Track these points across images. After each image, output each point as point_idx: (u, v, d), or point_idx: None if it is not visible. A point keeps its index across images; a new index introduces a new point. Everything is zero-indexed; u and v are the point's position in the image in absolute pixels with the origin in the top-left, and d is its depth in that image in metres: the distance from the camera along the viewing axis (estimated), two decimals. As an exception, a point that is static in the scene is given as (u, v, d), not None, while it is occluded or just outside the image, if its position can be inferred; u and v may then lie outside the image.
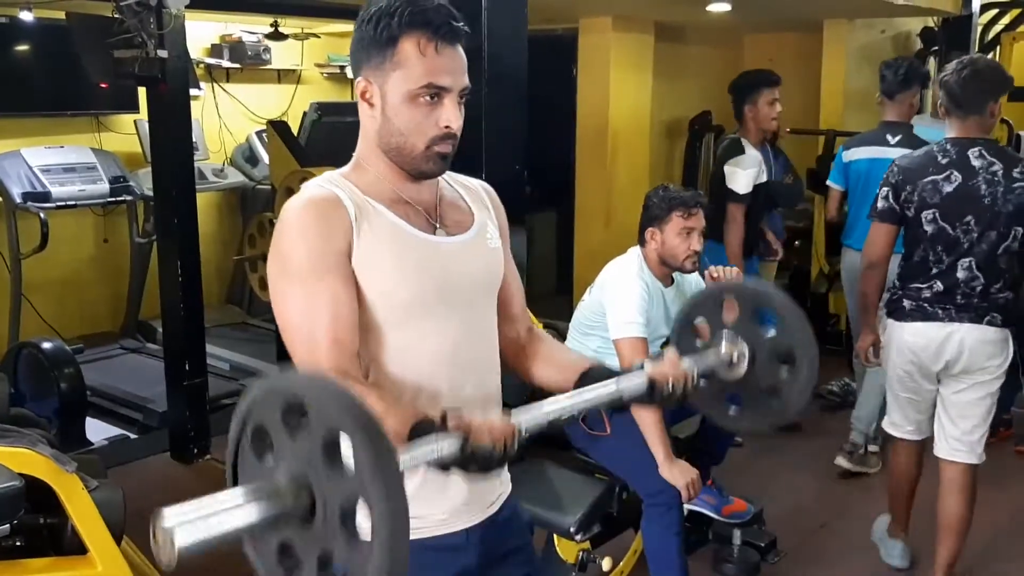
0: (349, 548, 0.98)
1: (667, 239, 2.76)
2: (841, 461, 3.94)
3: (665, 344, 3.08)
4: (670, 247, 2.76)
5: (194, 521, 0.94)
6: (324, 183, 1.44)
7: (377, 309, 1.41)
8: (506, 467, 1.60)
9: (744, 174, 3.88)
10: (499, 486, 1.59)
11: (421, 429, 1.19)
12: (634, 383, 1.42)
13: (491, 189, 1.63)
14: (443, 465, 1.17)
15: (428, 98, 1.38)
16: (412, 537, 1.44)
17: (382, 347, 1.42)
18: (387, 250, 1.40)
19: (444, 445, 1.16)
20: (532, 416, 1.29)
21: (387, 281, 1.40)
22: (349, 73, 6.64)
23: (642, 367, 1.44)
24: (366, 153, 1.48)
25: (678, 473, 2.60)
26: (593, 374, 1.49)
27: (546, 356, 1.64)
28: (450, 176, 1.57)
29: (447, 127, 1.40)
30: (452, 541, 1.49)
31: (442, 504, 1.47)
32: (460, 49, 1.42)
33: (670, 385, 1.43)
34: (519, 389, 1.74)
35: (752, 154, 3.94)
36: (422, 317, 1.43)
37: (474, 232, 1.52)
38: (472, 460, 1.18)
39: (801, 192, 4.76)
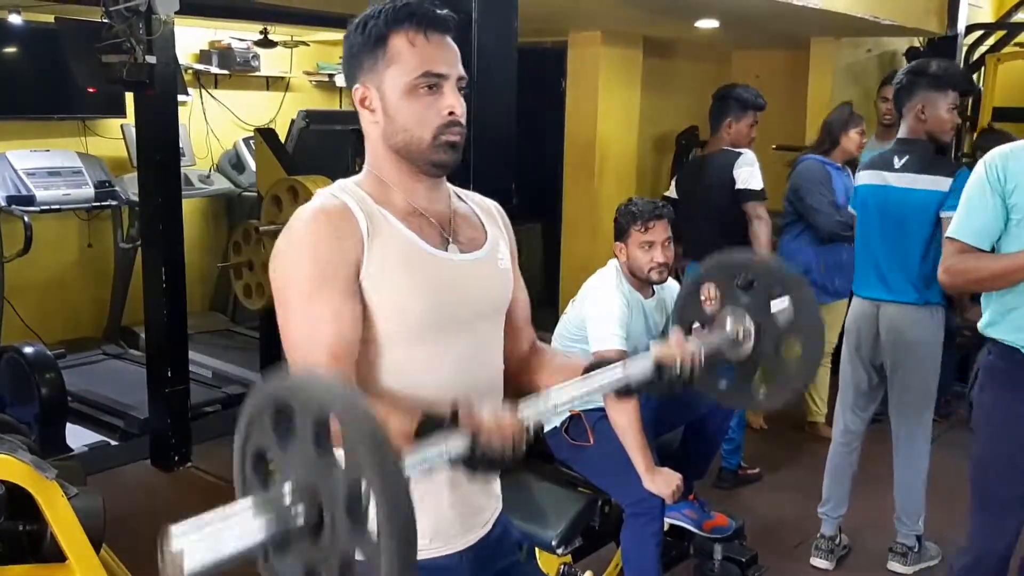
0: (363, 545, 0.93)
1: (631, 253, 2.81)
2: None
3: (664, 333, 3.09)
4: (634, 260, 2.81)
5: (202, 539, 0.90)
6: (337, 192, 1.41)
7: (383, 325, 1.37)
8: (499, 481, 1.58)
9: (753, 170, 3.76)
10: (492, 503, 1.56)
11: (429, 426, 1.17)
12: (640, 365, 1.38)
13: (502, 208, 1.62)
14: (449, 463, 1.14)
15: (427, 88, 1.38)
16: None
17: (384, 363, 1.39)
18: (398, 267, 1.37)
19: (452, 446, 1.11)
20: (540, 409, 1.25)
21: (396, 298, 1.37)
22: (338, 81, 6.77)
23: (647, 350, 1.40)
24: (375, 162, 1.45)
25: (662, 482, 2.60)
26: (598, 366, 1.45)
27: (551, 364, 1.62)
28: (463, 192, 1.56)
29: (451, 113, 1.39)
30: (445, 563, 1.46)
31: (435, 525, 1.44)
32: (450, 40, 1.42)
33: (677, 366, 1.39)
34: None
35: (748, 153, 3.81)
36: (429, 336, 1.40)
37: (486, 251, 1.50)
38: (480, 461, 1.14)
39: None
